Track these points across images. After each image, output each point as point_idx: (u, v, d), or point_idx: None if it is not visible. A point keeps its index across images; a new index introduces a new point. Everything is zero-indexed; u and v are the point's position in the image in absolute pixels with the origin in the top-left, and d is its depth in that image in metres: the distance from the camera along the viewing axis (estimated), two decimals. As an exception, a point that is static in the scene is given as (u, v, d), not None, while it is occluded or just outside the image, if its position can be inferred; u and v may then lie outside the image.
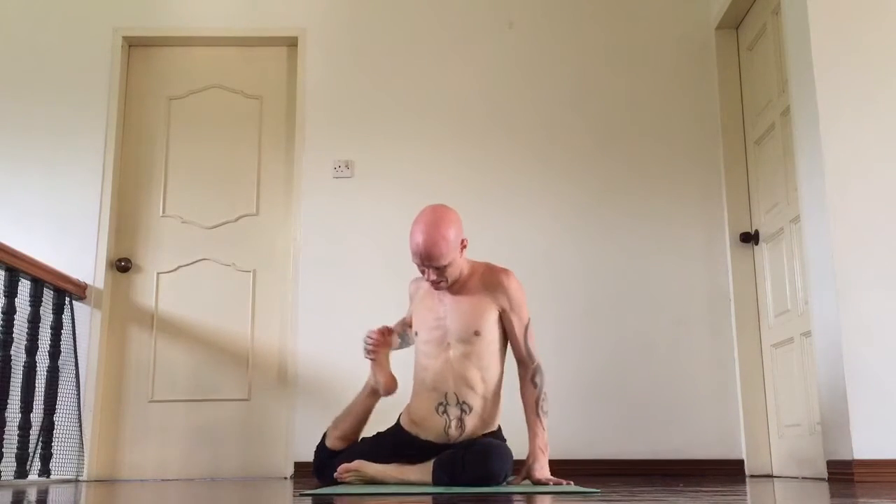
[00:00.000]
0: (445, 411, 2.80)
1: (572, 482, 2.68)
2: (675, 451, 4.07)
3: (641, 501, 1.96)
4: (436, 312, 2.85)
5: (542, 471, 2.73)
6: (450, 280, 2.80)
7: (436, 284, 2.81)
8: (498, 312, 2.84)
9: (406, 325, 3.05)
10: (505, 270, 2.88)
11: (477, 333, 2.79)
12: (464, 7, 4.54)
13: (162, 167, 4.47)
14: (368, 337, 2.91)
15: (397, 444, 2.85)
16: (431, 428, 2.81)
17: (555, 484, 2.65)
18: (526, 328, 2.85)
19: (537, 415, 2.78)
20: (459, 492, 2.38)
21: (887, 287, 3.16)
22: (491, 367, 2.83)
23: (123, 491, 2.93)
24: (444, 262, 2.73)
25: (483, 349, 2.81)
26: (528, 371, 2.83)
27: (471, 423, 2.80)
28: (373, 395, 2.97)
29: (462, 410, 2.79)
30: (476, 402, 2.80)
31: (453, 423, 2.79)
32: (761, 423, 4.06)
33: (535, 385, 2.82)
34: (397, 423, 2.92)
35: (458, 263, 2.81)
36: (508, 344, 2.90)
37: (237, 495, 2.53)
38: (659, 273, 4.26)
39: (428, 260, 2.72)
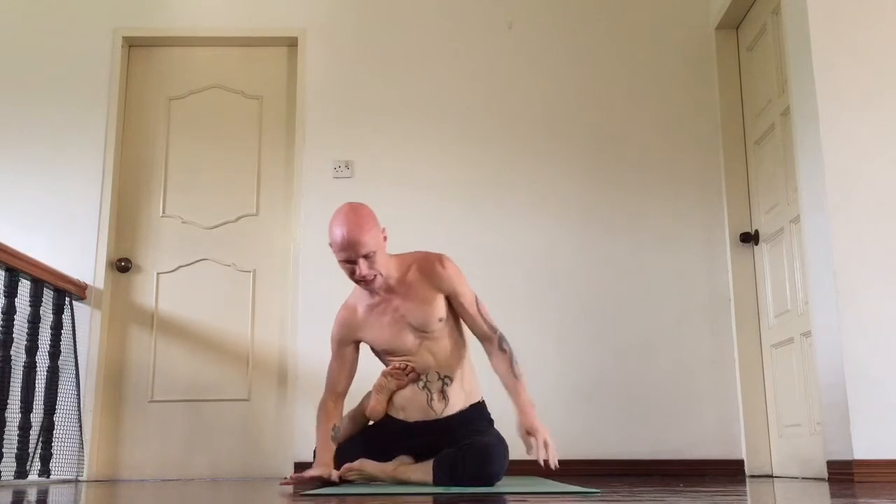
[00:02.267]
0: (426, 386, 2.84)
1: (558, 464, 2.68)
2: (675, 451, 4.07)
3: (641, 501, 1.96)
4: (391, 319, 2.81)
5: (536, 421, 2.71)
6: (381, 274, 2.72)
7: (368, 282, 2.72)
8: (444, 298, 2.84)
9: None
10: (437, 256, 2.84)
11: (441, 319, 2.82)
12: (464, 7, 4.54)
13: (162, 167, 4.47)
14: (392, 375, 2.89)
15: (389, 434, 2.87)
16: (416, 406, 2.84)
17: (545, 444, 2.66)
18: (477, 302, 2.87)
19: (515, 377, 2.79)
20: (459, 492, 2.38)
21: (887, 287, 3.16)
22: (459, 340, 2.90)
23: (123, 491, 2.93)
24: (371, 248, 2.66)
25: (449, 330, 2.86)
26: (493, 342, 2.84)
27: (453, 394, 2.83)
28: (358, 419, 3.00)
29: (444, 383, 2.83)
30: (455, 374, 2.84)
31: (435, 396, 2.83)
32: (761, 423, 4.06)
33: (503, 350, 2.83)
34: (385, 416, 2.92)
35: (385, 256, 2.75)
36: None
37: (237, 495, 2.53)
38: (659, 273, 4.26)
39: (354, 248, 2.64)
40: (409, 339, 2.83)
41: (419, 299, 2.79)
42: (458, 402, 2.85)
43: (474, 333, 2.89)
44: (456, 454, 2.68)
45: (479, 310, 2.86)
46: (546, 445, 2.67)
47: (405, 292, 2.80)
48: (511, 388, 2.80)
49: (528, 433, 2.69)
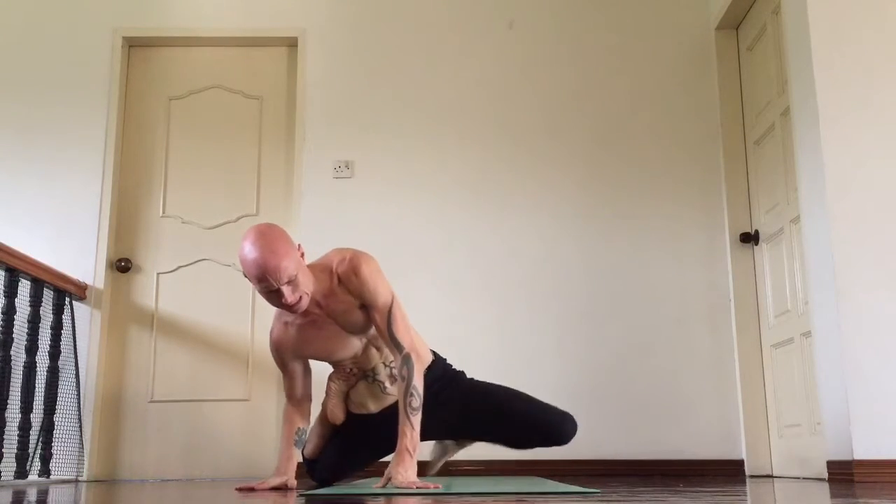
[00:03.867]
0: (375, 379, 2.82)
1: (440, 486, 2.42)
2: (675, 451, 4.07)
3: (641, 501, 1.96)
4: (328, 333, 2.70)
5: (406, 474, 2.41)
6: (308, 293, 2.52)
7: (296, 306, 2.50)
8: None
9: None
10: (353, 264, 2.59)
11: (369, 326, 2.69)
12: (464, 7, 4.54)
13: (162, 167, 4.47)
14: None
15: (359, 430, 2.88)
16: (373, 398, 2.86)
17: (418, 488, 2.34)
18: (388, 315, 2.60)
19: (406, 412, 2.49)
20: (459, 492, 2.38)
21: (887, 287, 3.15)
22: None
23: (123, 491, 2.93)
24: (291, 273, 2.43)
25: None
26: (396, 362, 2.59)
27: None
28: (327, 421, 2.99)
29: (391, 368, 2.81)
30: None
31: (387, 383, 2.82)
32: (761, 423, 4.06)
33: (402, 378, 2.53)
34: (348, 415, 2.91)
35: (306, 274, 2.53)
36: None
37: (237, 495, 2.53)
38: (659, 273, 4.26)
39: (275, 276, 2.40)
40: (354, 344, 2.74)
41: (350, 308, 2.63)
42: None
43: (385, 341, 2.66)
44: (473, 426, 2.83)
45: (388, 324, 2.60)
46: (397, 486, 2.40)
47: (334, 303, 2.62)
48: (400, 423, 2.49)
49: (388, 479, 2.43)
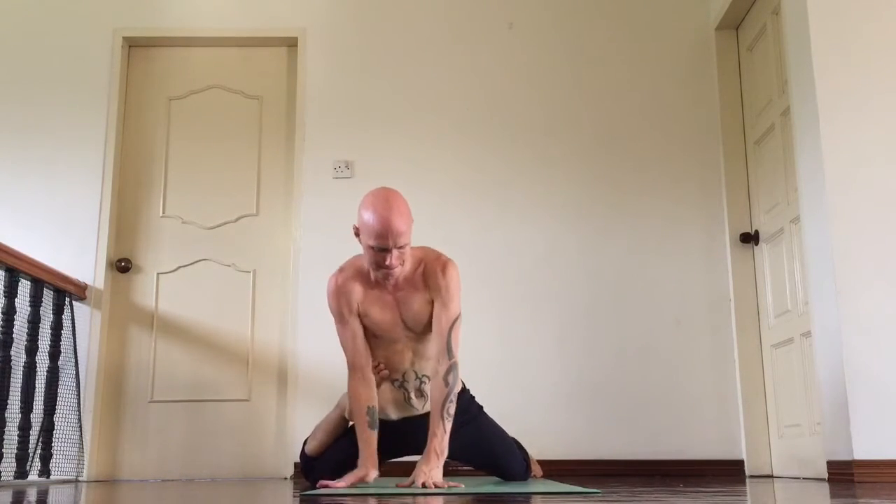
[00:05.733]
0: (403, 385, 2.84)
1: (462, 485, 2.53)
2: (675, 451, 4.07)
3: (641, 501, 1.96)
4: (385, 307, 2.73)
5: (432, 473, 2.51)
6: (403, 265, 2.62)
7: (391, 271, 2.60)
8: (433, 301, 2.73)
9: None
10: (444, 263, 2.70)
11: (428, 325, 2.74)
12: (464, 7, 4.54)
13: (162, 167, 4.47)
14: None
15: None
16: (395, 404, 2.86)
17: (450, 487, 2.47)
18: (453, 323, 2.69)
19: (441, 416, 2.61)
20: (460, 492, 2.38)
21: (887, 287, 3.16)
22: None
23: (123, 491, 2.93)
24: (407, 241, 2.57)
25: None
26: (443, 366, 2.66)
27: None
28: (344, 418, 3.00)
29: (421, 381, 2.84)
30: (432, 370, 2.77)
31: (413, 394, 2.85)
32: (761, 423, 4.06)
33: (446, 384, 2.64)
34: None
35: (409, 249, 2.65)
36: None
37: (237, 495, 2.53)
38: (659, 273, 4.26)
39: (394, 238, 2.51)
40: (398, 331, 2.77)
41: (417, 300, 2.72)
42: None
43: (434, 347, 2.72)
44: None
45: (450, 330, 2.68)
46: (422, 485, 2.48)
47: (407, 288, 2.71)
48: (432, 423, 2.62)
49: (415, 479, 2.51)
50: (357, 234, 2.64)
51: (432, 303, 2.71)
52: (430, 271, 2.70)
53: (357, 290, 2.72)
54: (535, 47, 4.49)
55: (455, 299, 2.70)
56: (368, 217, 2.53)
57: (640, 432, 4.10)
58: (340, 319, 2.75)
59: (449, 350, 2.66)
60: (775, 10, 3.89)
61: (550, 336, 4.21)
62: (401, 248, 2.56)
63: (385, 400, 2.86)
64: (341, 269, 2.76)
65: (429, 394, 2.80)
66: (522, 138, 4.40)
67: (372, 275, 2.69)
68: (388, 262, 2.57)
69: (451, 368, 2.65)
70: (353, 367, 2.75)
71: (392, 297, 2.72)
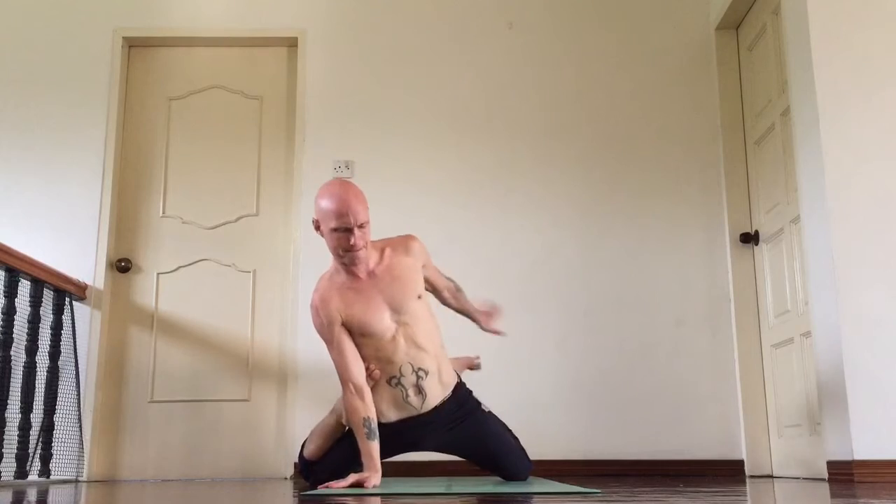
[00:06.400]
0: (400, 382, 2.82)
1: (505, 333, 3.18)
2: (675, 451, 4.07)
3: (641, 501, 1.96)
4: (367, 298, 2.76)
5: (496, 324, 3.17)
6: (366, 247, 2.74)
7: (357, 253, 2.70)
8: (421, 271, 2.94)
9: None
10: (407, 235, 2.95)
11: (420, 297, 2.84)
12: (464, 7, 4.54)
13: (162, 167, 4.47)
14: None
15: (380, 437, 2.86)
16: (393, 405, 2.85)
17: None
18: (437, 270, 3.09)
19: (468, 301, 3.17)
20: (460, 492, 2.38)
21: (887, 287, 3.16)
22: (430, 322, 2.90)
23: (123, 491, 2.93)
24: (366, 218, 2.69)
25: (423, 310, 2.86)
26: (453, 288, 3.14)
27: (430, 388, 2.84)
28: (341, 423, 3.00)
29: (418, 376, 2.82)
30: (430, 364, 2.83)
31: (411, 392, 2.83)
32: (761, 423, 4.06)
33: (460, 290, 3.16)
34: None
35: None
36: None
37: (237, 495, 2.53)
38: (659, 273, 4.26)
39: (354, 215, 2.65)
40: (387, 320, 2.78)
41: (398, 277, 2.80)
42: (436, 395, 2.85)
43: (438, 290, 3.08)
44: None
45: (442, 275, 3.10)
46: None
47: (383, 273, 2.81)
48: (468, 309, 3.16)
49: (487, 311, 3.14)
50: (317, 228, 2.74)
51: (413, 276, 2.85)
52: (401, 246, 2.89)
53: (335, 300, 2.78)
54: (535, 47, 4.49)
55: (433, 266, 3.04)
56: (326, 202, 2.68)
57: (640, 432, 4.10)
58: (328, 337, 2.79)
59: (451, 281, 3.13)
60: (775, 10, 3.89)
61: (550, 336, 4.20)
62: (361, 226, 2.68)
63: (382, 401, 2.84)
64: (315, 290, 2.83)
65: (426, 391, 2.82)
66: (522, 138, 4.40)
67: (343, 275, 2.77)
68: (352, 242, 2.67)
69: (459, 288, 3.14)
70: (345, 382, 2.78)
71: (371, 287, 2.78)
